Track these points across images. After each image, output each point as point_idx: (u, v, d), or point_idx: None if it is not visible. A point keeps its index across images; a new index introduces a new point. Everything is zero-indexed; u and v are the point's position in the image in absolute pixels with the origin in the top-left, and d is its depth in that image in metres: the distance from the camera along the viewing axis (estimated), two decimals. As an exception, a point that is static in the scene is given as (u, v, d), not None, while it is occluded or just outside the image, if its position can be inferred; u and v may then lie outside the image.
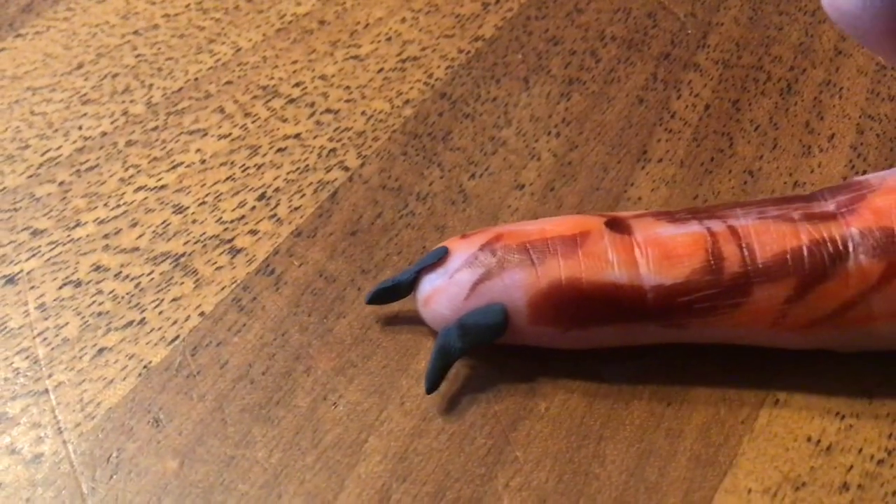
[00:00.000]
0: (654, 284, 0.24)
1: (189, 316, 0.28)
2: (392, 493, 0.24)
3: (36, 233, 0.30)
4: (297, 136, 0.33)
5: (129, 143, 0.33)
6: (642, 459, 0.25)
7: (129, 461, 0.25)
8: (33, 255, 0.29)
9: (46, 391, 0.26)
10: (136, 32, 0.37)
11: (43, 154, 0.32)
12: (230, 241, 0.30)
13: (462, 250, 0.26)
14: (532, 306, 0.25)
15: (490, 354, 0.26)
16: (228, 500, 0.24)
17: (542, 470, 0.24)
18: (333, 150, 0.32)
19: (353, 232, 0.30)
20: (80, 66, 0.35)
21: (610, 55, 0.36)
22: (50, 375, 0.26)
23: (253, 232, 0.30)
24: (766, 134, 0.33)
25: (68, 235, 0.30)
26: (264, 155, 0.32)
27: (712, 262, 0.24)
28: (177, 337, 0.27)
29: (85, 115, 0.34)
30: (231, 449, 0.25)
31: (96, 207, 0.31)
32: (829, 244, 0.24)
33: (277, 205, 0.31)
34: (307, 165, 0.32)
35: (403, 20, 0.37)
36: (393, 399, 0.26)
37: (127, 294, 0.28)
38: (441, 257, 0.26)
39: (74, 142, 0.33)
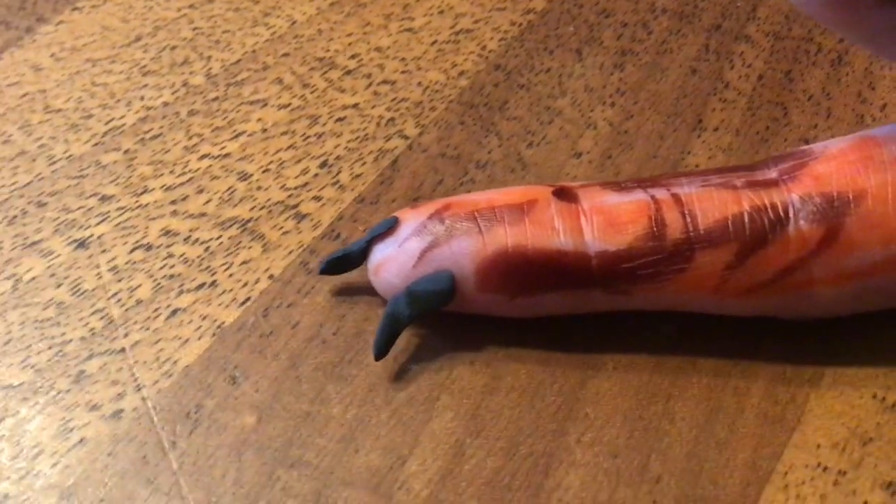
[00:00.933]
0: (598, 251, 0.25)
1: (259, 279, 0.28)
2: (466, 447, 0.25)
3: (104, 199, 0.30)
4: (356, 106, 0.33)
5: (191, 113, 0.33)
6: (711, 416, 0.25)
7: (209, 417, 0.25)
8: (103, 220, 0.30)
9: (123, 350, 0.27)
10: (191, 6, 0.37)
11: (107, 123, 0.33)
12: (295, 206, 0.30)
13: (411, 219, 0.26)
14: (479, 273, 0.25)
15: (550, 318, 0.27)
16: (306, 453, 0.24)
17: (613, 426, 0.25)
18: (392, 119, 0.33)
19: (415, 198, 0.30)
20: (138, 38, 0.36)
21: (661, 27, 0.36)
22: (126, 335, 0.27)
23: (317, 198, 0.30)
24: (819, 104, 0.33)
25: (136, 201, 0.30)
26: (324, 124, 0.33)
27: (655, 228, 0.25)
28: (248, 298, 0.28)
29: (146, 85, 0.34)
30: (307, 405, 0.25)
31: (162, 175, 0.31)
32: (769, 210, 0.25)
33: (339, 172, 0.31)
34: (366, 134, 0.32)
35: (455, -6, 0.38)
36: (462, 359, 0.26)
37: (197, 257, 0.29)
38: (391, 227, 0.26)
39: (137, 111, 0.33)
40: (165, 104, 0.33)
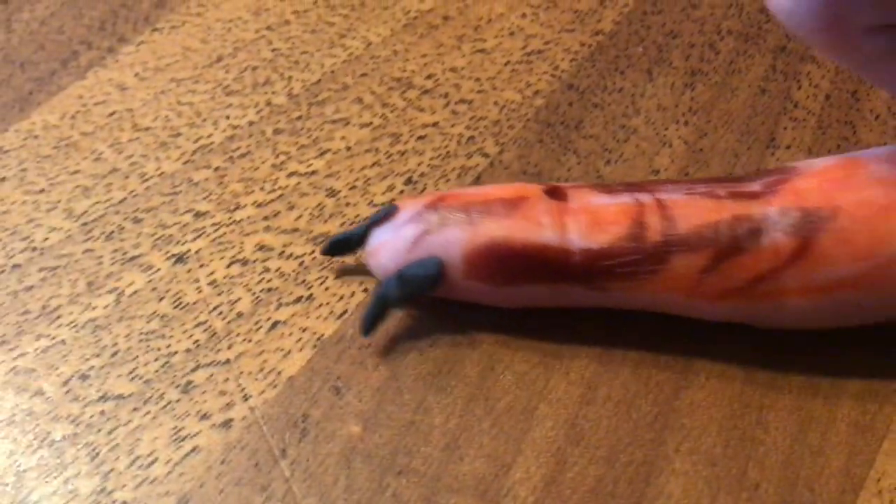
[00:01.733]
0: (581, 247, 0.26)
1: (354, 292, 0.29)
2: (567, 456, 0.25)
3: (198, 215, 0.31)
4: (435, 124, 0.34)
5: (276, 132, 0.34)
6: (804, 426, 0.26)
7: (316, 426, 0.26)
8: (199, 236, 0.31)
9: (228, 361, 0.27)
10: (269, 28, 0.38)
11: (195, 141, 0.34)
12: (384, 222, 0.31)
13: (409, 208, 0.28)
14: (467, 261, 0.27)
15: (649, 327, 0.28)
16: (413, 461, 0.25)
17: (709, 435, 0.26)
18: (471, 137, 0.34)
19: (500, 214, 0.31)
20: (219, 59, 0.37)
21: (728, 48, 0.37)
22: (229, 346, 0.28)
23: (404, 214, 0.31)
24: (886, 123, 0.34)
25: (230, 217, 0.31)
26: (406, 142, 0.34)
27: (636, 229, 0.26)
28: (345, 311, 0.29)
29: (230, 105, 0.35)
30: (409, 414, 0.26)
31: (253, 191, 0.32)
32: (747, 220, 0.26)
33: (424, 189, 0.32)
34: (448, 152, 0.33)
35: (524, 16, 0.39)
36: (557, 369, 0.27)
37: (293, 272, 0.30)
38: (390, 213, 0.27)
39: (224, 130, 0.34)
40: (251, 123, 0.34)
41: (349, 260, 0.30)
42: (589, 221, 0.26)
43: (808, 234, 0.25)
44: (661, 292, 0.26)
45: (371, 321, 0.27)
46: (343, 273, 0.29)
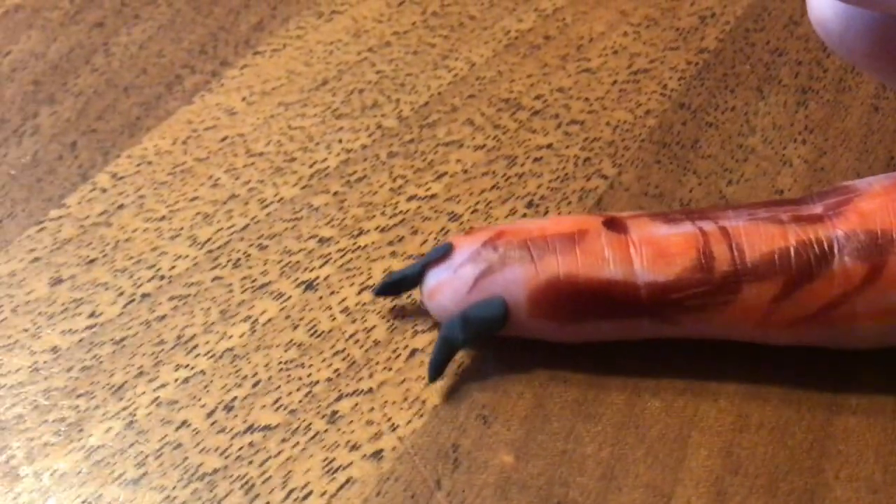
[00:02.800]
0: (647, 281, 0.26)
1: (489, 318, 0.29)
2: (727, 485, 0.25)
3: (323, 241, 0.31)
4: (550, 146, 0.34)
5: (390, 155, 0.34)
6: (964, 452, 0.25)
7: (467, 456, 0.26)
8: (326, 262, 0.31)
9: (371, 390, 0.27)
10: (370, 50, 0.38)
11: (311, 166, 0.34)
12: (510, 246, 0.31)
13: (466, 246, 0.27)
14: (531, 301, 0.26)
15: (793, 354, 0.27)
16: (570, 492, 0.25)
17: (867, 462, 0.25)
18: (588, 159, 0.34)
19: (627, 237, 0.31)
20: (324, 82, 0.37)
21: (835, 65, 0.37)
22: (370, 375, 0.28)
23: (530, 238, 0.31)
24: None
25: (354, 243, 0.31)
26: (522, 164, 0.33)
27: (703, 260, 0.25)
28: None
29: (341, 128, 0.35)
30: (561, 443, 0.26)
31: (374, 216, 0.32)
32: (815, 245, 0.25)
33: (547, 212, 0.32)
34: (566, 174, 0.33)
35: (625, 34, 0.39)
36: (706, 396, 0.27)
37: (425, 298, 0.29)
38: (446, 252, 0.27)
39: (338, 154, 0.34)
40: (364, 147, 0.34)
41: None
42: (653, 253, 0.26)
43: (877, 257, 0.25)
44: (732, 323, 0.26)
45: (438, 366, 0.27)
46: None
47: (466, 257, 0.27)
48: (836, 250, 0.25)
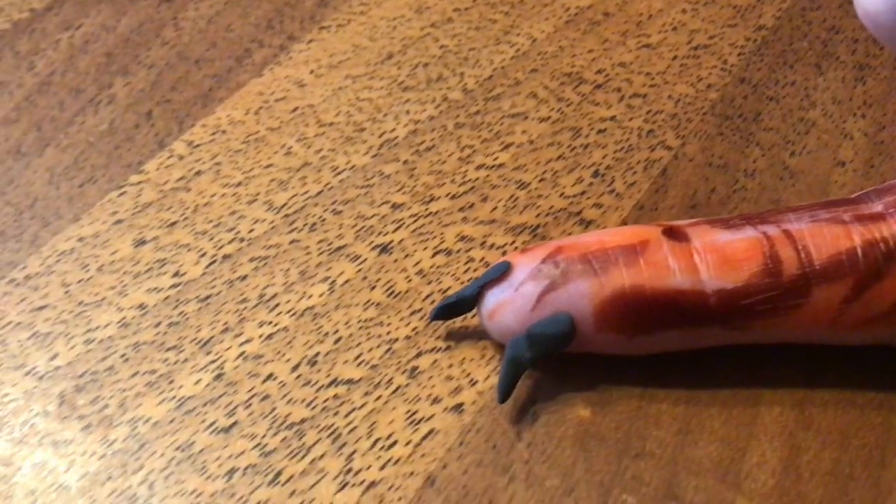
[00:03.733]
0: (715, 289, 0.25)
1: (560, 281, 0.30)
2: (800, 440, 0.26)
3: (395, 206, 0.32)
4: (613, 118, 0.35)
5: (457, 126, 0.35)
6: None
7: (546, 409, 0.27)
8: (399, 227, 0.31)
9: (449, 347, 0.28)
10: (433, 25, 0.39)
11: (380, 136, 0.34)
12: (578, 213, 0.32)
13: (525, 263, 0.27)
14: (598, 314, 0.26)
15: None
16: (648, 444, 0.26)
17: (936, 420, 0.26)
18: (651, 130, 0.34)
19: (693, 206, 0.32)
20: (389, 56, 0.38)
21: (892, 42, 0.37)
22: (448, 334, 0.28)
23: (597, 205, 0.32)
24: None
25: (426, 209, 0.32)
26: (587, 136, 0.34)
27: (770, 264, 0.25)
28: (555, 300, 0.29)
29: (408, 100, 0.36)
30: (636, 400, 0.27)
31: (444, 184, 0.33)
32: (881, 244, 0.25)
33: (613, 181, 0.33)
34: (630, 145, 0.34)
35: (684, 11, 0.39)
36: (777, 357, 0.28)
37: (496, 261, 0.30)
38: (504, 272, 0.27)
39: (406, 125, 0.35)
40: (431, 118, 0.35)
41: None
42: (718, 260, 0.26)
43: None
44: (803, 326, 0.26)
45: (507, 387, 0.26)
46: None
47: (527, 275, 0.26)
48: None
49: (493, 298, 0.27)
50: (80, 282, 0.30)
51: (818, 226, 0.26)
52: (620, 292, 0.26)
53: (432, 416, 0.27)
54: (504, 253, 0.31)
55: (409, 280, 0.30)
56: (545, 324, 0.26)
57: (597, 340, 0.26)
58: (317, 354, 0.28)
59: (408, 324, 0.29)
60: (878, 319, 0.26)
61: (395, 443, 0.26)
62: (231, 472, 0.25)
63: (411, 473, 0.25)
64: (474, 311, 0.28)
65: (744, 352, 0.28)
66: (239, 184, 0.33)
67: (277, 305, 0.29)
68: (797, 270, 0.25)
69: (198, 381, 0.27)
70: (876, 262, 0.25)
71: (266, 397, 0.27)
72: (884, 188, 0.27)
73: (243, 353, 0.28)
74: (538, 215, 0.32)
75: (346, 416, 0.27)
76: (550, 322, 0.26)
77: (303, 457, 0.26)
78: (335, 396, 0.27)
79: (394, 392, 0.27)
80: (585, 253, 0.26)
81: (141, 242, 0.31)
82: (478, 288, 0.27)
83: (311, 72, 0.37)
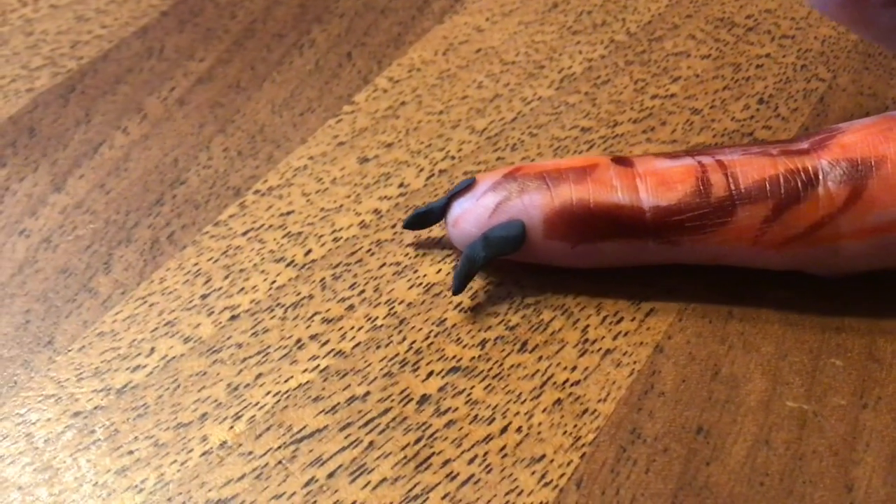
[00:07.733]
0: (651, 205, 0.29)
1: (744, 189, 0.33)
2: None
3: (584, 129, 0.36)
4: (768, 55, 0.39)
5: (627, 63, 0.39)
6: None
7: (751, 292, 0.30)
8: (591, 146, 0.35)
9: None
10: (590, -22, 0.43)
11: (559, 72, 0.38)
12: (751, 133, 0.35)
13: (487, 179, 0.30)
14: (547, 222, 0.29)
15: None
16: (844, 344, 0.30)
17: None
18: (804, 65, 0.38)
19: (852, 127, 0.35)
20: (555, 4, 0.42)
21: None
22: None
23: (766, 127, 0.36)
24: None
25: (612, 131, 0.36)
26: (746, 70, 0.38)
27: (702, 187, 0.29)
28: (742, 204, 0.33)
29: (578, 42, 0.40)
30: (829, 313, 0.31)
31: (625, 111, 0.37)
32: (801, 173, 0.28)
33: (777, 107, 0.36)
34: (787, 77, 0.38)
35: (818, -35, 0.43)
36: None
37: (685, 173, 0.34)
38: (469, 186, 0.30)
39: (581, 63, 0.39)
40: (602, 56, 0.39)
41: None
42: (656, 182, 0.29)
43: (857, 181, 0.28)
44: (727, 243, 0.29)
45: (461, 281, 0.29)
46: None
47: (488, 187, 0.30)
48: (820, 177, 0.28)
49: (458, 208, 0.30)
50: (317, 192, 0.34)
51: (748, 157, 0.29)
52: (568, 204, 0.29)
53: (651, 296, 0.30)
54: (689, 167, 0.34)
55: (609, 190, 0.34)
56: (500, 228, 0.29)
57: (543, 247, 0.30)
58: (539, 249, 0.32)
59: (614, 225, 0.33)
60: (794, 240, 0.28)
61: (621, 319, 0.30)
62: (483, 342, 0.29)
63: (641, 343, 0.29)
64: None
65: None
66: (441, 112, 0.37)
67: (496, 210, 0.33)
68: (724, 192, 0.29)
69: (439, 270, 0.31)
70: (795, 188, 0.28)
71: (500, 284, 0.31)
72: (814, 132, 0.30)
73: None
74: (714, 136, 0.35)
75: (576, 297, 0.30)
76: (504, 226, 0.29)
77: (543, 329, 0.30)
78: (560, 279, 0.31)
79: (615, 279, 0.31)
80: (541, 171, 0.30)
81: (364, 160, 0.35)
82: (446, 200, 0.31)
83: (487, 19, 0.41)
